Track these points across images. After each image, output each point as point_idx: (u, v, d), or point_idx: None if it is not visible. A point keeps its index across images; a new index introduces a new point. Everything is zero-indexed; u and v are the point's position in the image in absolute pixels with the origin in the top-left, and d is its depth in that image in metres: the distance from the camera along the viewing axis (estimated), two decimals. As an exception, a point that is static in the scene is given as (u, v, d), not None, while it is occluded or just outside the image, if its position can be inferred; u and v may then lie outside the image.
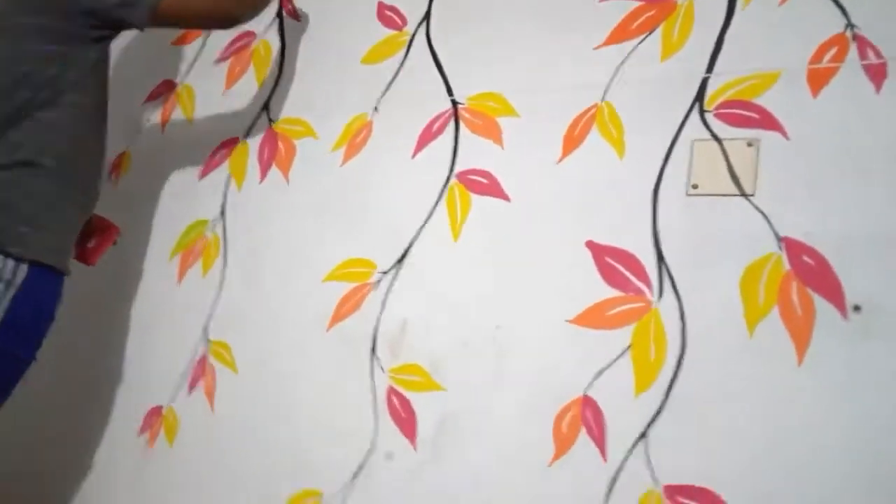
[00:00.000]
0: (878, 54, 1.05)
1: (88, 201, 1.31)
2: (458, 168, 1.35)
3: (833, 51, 1.08)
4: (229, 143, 1.63)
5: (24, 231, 1.13)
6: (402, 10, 1.52)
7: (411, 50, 1.49)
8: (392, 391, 1.25)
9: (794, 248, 1.02)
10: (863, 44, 1.06)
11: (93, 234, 1.37)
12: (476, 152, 1.34)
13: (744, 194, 1.08)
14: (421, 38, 1.48)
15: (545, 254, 1.21)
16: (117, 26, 1.25)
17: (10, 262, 1.11)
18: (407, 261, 1.33)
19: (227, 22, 1.34)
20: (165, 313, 1.56)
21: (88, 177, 1.28)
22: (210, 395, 1.43)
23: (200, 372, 1.46)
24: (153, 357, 1.54)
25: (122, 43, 1.71)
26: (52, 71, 1.17)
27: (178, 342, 1.51)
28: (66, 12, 1.18)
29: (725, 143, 1.11)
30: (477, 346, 1.21)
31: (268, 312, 1.44)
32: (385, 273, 1.34)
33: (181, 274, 1.57)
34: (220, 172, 1.62)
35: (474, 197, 1.31)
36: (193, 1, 1.26)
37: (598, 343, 1.11)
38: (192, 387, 1.46)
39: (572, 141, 1.25)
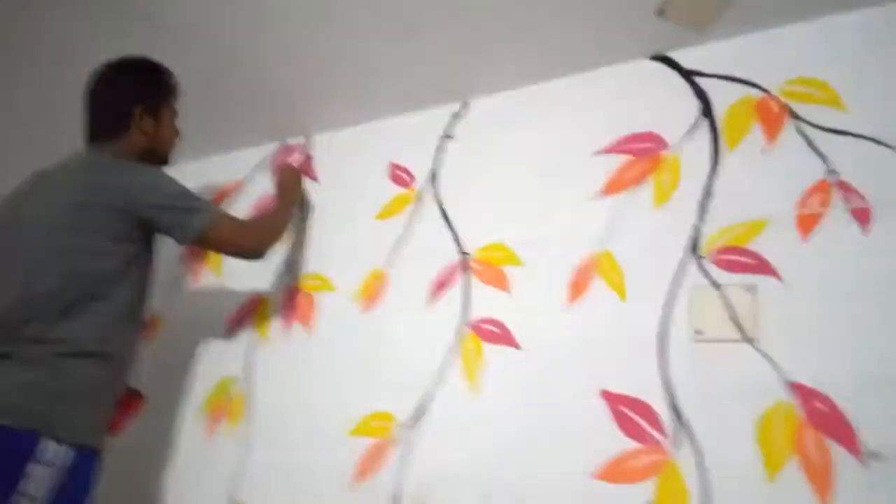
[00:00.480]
0: (861, 198, 1.09)
1: (125, 380, 1.37)
2: (470, 317, 1.40)
3: (818, 196, 1.12)
4: (255, 299, 1.71)
5: (71, 416, 1.19)
6: (411, 169, 1.63)
7: (421, 205, 1.58)
8: (416, 554, 1.24)
9: (805, 395, 1.03)
10: (846, 189, 1.11)
11: (119, 405, 1.42)
12: (486, 301, 1.39)
13: (747, 340, 1.10)
14: (429, 193, 1.58)
15: (561, 404, 1.22)
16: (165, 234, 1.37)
17: (57, 447, 1.15)
18: (427, 414, 1.35)
19: (251, 258, 1.45)
20: (194, 476, 1.58)
21: (129, 358, 1.36)
22: (237, 560, 1.43)
23: (227, 535, 1.47)
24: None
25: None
26: (108, 265, 1.28)
27: (206, 504, 1.52)
28: (126, 217, 1.29)
29: (724, 289, 1.14)
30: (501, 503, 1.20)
31: (292, 471, 1.45)
32: (406, 427, 1.36)
33: (209, 434, 1.61)
34: (246, 329, 1.69)
35: (486, 346, 1.35)
36: (228, 243, 1.40)
37: (619, 498, 1.10)
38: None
39: (576, 288, 1.29)
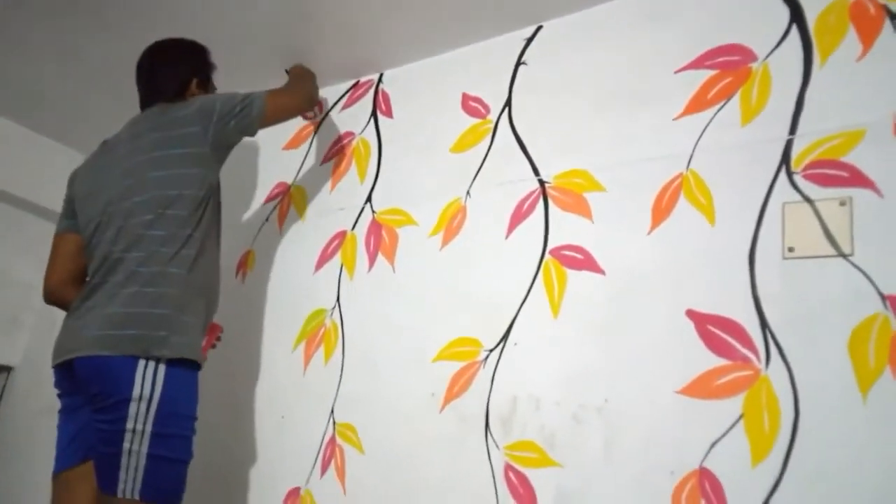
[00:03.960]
0: (969, 101, 1.03)
1: (212, 301, 1.51)
2: (551, 245, 1.42)
3: (920, 102, 1.07)
4: (339, 236, 1.78)
5: (163, 335, 1.32)
6: (485, 99, 1.63)
7: (496, 135, 1.58)
8: (509, 468, 1.31)
9: (902, 307, 1.01)
10: (951, 92, 1.05)
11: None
12: (567, 228, 1.40)
13: (842, 254, 1.08)
14: (504, 123, 1.58)
15: (646, 325, 1.24)
16: (232, 145, 1.52)
17: (152, 364, 1.29)
18: (511, 338, 1.40)
19: (306, 110, 1.80)
20: (295, 398, 1.70)
21: (210, 279, 1.49)
22: (341, 475, 1.55)
23: (331, 453, 1.58)
24: (288, 440, 1.68)
25: (240, 152, 1.92)
26: (193, 192, 1.41)
27: (309, 425, 1.64)
28: (203, 139, 1.43)
29: (817, 204, 1.12)
30: (588, 421, 1.25)
31: (386, 394, 1.54)
32: (491, 351, 1.42)
33: (306, 361, 1.72)
34: (334, 264, 1.77)
35: (570, 272, 1.37)
36: (284, 110, 1.61)
37: (708, 413, 1.12)
38: (324, 468, 1.58)
39: (661, 211, 1.29)
